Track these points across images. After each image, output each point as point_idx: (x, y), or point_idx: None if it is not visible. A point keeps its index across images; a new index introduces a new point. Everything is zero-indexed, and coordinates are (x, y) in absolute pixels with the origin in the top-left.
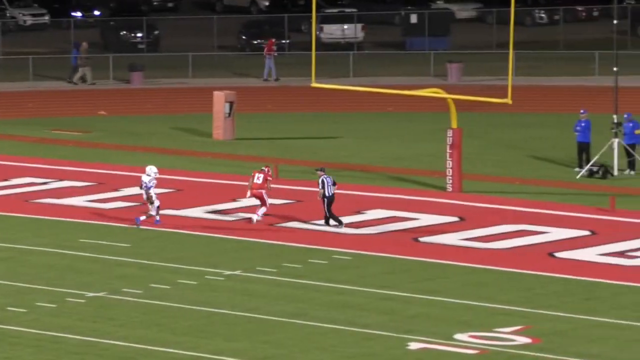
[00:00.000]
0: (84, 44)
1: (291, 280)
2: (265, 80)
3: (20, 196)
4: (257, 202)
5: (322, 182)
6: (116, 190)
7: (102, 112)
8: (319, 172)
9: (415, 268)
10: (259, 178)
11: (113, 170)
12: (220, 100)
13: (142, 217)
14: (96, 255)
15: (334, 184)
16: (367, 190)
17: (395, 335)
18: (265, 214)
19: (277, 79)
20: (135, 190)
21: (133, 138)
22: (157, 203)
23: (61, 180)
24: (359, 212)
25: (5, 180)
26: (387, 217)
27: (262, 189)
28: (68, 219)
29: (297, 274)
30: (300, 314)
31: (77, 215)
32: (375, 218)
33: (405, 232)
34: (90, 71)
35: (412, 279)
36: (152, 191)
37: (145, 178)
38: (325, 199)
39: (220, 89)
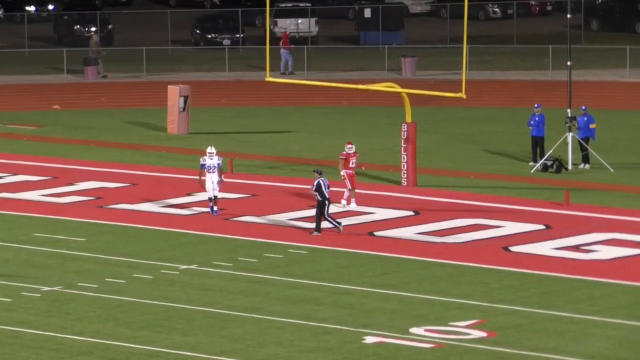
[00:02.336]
0: (95, 37)
1: (247, 274)
2: (283, 73)
3: None
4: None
5: (319, 184)
6: (71, 184)
7: (56, 107)
8: (316, 174)
9: (371, 262)
10: (353, 162)
11: (67, 164)
12: (174, 95)
13: (216, 208)
14: (51, 250)
15: (328, 186)
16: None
17: (351, 329)
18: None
19: (291, 72)
20: (89, 184)
21: (87, 132)
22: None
23: (15, 174)
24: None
25: None
26: (343, 212)
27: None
28: (23, 213)
29: (253, 268)
30: (257, 308)
31: (32, 210)
32: (331, 212)
33: (360, 226)
34: (101, 63)
35: (368, 273)
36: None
37: (209, 161)
38: (327, 202)
39: (174, 83)
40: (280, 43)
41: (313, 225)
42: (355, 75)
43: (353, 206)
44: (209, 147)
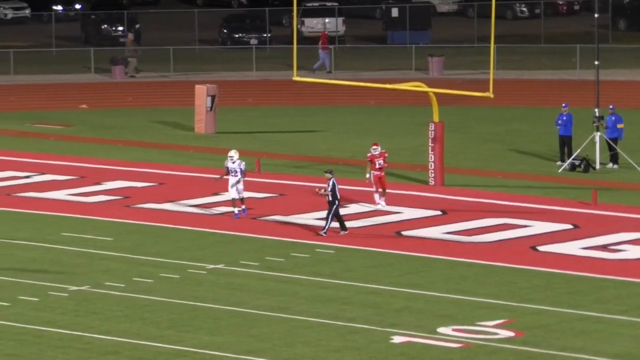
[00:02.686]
0: (130, 36)
1: (274, 274)
2: (314, 71)
3: (2, 190)
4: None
5: (334, 184)
6: (98, 183)
7: (84, 106)
8: (327, 175)
9: (399, 262)
10: (380, 163)
11: (95, 164)
12: (202, 94)
13: (237, 210)
14: (79, 249)
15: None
16: (349, 184)
17: (379, 329)
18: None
19: (329, 72)
20: (117, 183)
21: (114, 132)
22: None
23: (43, 173)
24: (341, 206)
25: None
26: (370, 211)
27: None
28: (50, 213)
29: (280, 268)
30: (284, 308)
31: (60, 209)
32: (358, 212)
33: (388, 226)
34: (136, 62)
35: (395, 273)
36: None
37: (231, 164)
38: (337, 202)
39: (201, 82)
40: (319, 43)
41: (335, 224)
42: (383, 75)
43: (382, 206)
44: (230, 151)
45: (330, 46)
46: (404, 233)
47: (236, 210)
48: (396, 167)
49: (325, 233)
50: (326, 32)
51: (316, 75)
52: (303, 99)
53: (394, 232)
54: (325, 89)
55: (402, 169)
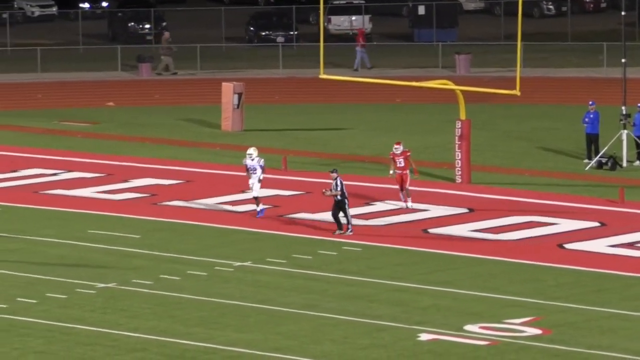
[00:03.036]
0: (166, 34)
1: (302, 271)
2: (356, 70)
3: (29, 187)
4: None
5: (341, 183)
6: (125, 181)
7: (111, 104)
8: (333, 174)
9: (425, 259)
10: (400, 162)
11: (122, 161)
12: (228, 92)
13: (259, 208)
14: (106, 247)
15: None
16: (375, 181)
17: (406, 326)
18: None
19: (370, 68)
20: (144, 181)
21: (141, 129)
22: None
23: (70, 171)
24: (368, 204)
25: (14, 171)
26: (396, 209)
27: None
28: (78, 210)
29: (308, 265)
30: (312, 305)
31: (87, 207)
32: (385, 209)
33: (414, 224)
34: (172, 61)
35: (422, 271)
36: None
37: (249, 162)
38: (347, 200)
39: (228, 80)
40: (357, 40)
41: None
42: (409, 73)
43: (408, 206)
44: (249, 149)
45: (366, 43)
46: (431, 231)
47: (258, 208)
48: (423, 165)
49: (350, 231)
50: (364, 29)
51: (343, 73)
52: (330, 96)
53: (421, 230)
54: (352, 86)
55: (428, 166)
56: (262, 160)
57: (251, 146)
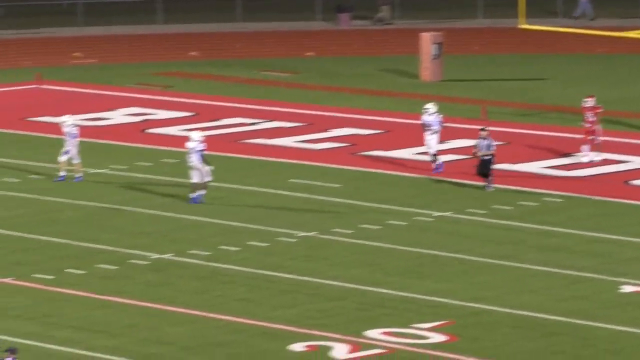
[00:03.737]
0: None
1: (501, 222)
2: (576, 18)
3: (230, 136)
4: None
5: (489, 145)
6: (325, 131)
7: (311, 53)
8: (482, 133)
9: (627, 211)
10: (590, 116)
11: (321, 111)
12: (427, 42)
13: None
14: (306, 195)
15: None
16: (576, 132)
17: (607, 278)
18: None
19: (592, 19)
20: (343, 131)
21: (340, 79)
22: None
23: (270, 120)
24: (568, 155)
25: (216, 120)
26: (597, 160)
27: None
28: (278, 159)
29: (507, 216)
30: (510, 256)
31: (287, 156)
32: (585, 161)
33: (616, 175)
34: (389, 10)
35: (623, 223)
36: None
37: (427, 117)
38: (492, 157)
39: (426, 30)
40: None
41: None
42: (612, 23)
43: (590, 158)
44: (428, 104)
45: None
46: (632, 182)
47: (434, 165)
48: (623, 116)
49: (492, 188)
50: None
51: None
52: (529, 46)
53: (622, 181)
54: (552, 36)
55: (629, 117)
56: (441, 116)
57: (437, 100)
